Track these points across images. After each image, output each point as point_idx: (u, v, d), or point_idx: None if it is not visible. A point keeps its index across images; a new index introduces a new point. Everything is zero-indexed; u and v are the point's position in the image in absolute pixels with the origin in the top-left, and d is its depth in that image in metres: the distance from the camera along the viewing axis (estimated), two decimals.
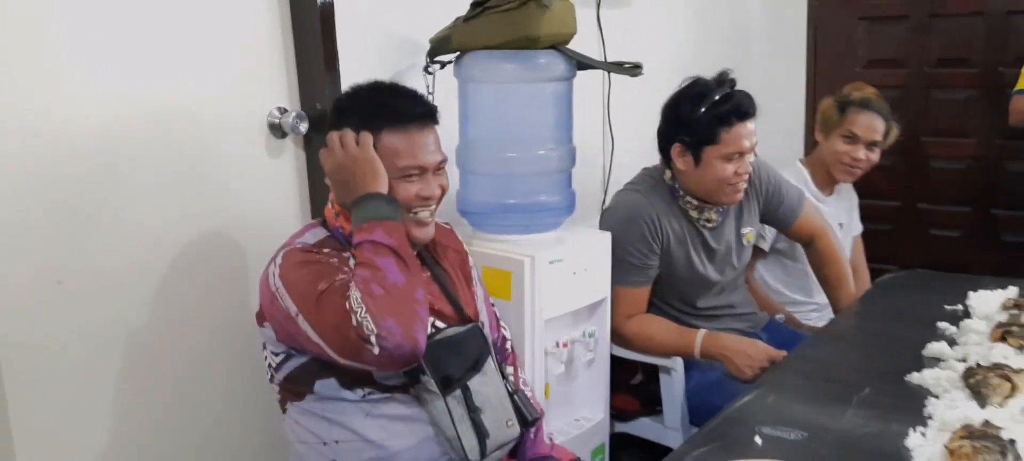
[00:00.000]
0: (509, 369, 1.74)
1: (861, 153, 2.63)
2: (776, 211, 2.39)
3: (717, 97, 2.12)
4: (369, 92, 1.58)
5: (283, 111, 1.92)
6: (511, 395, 1.61)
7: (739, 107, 2.12)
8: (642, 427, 2.36)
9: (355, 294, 1.36)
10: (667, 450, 2.23)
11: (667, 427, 2.24)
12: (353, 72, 1.98)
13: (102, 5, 1.60)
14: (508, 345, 1.79)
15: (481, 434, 1.51)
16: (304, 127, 1.93)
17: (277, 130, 1.92)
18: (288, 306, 1.43)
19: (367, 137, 1.48)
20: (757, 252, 2.66)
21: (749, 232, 2.35)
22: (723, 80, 2.15)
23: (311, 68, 1.94)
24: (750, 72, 3.60)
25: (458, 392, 1.51)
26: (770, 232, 2.62)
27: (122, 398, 1.70)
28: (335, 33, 1.95)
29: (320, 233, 1.56)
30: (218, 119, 1.82)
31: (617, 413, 2.33)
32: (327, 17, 1.93)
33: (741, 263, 2.38)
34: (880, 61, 3.57)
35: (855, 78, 3.60)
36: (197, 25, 1.76)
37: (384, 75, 2.07)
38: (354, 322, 1.34)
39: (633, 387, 2.45)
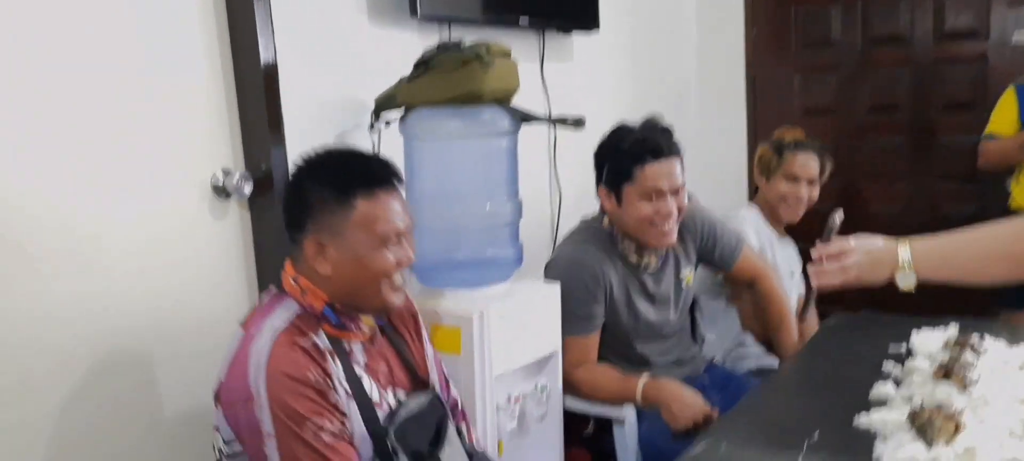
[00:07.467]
0: (462, 426, 1.72)
1: (803, 190, 2.73)
2: (712, 253, 2.40)
3: (634, 136, 2.15)
4: (329, 158, 1.53)
5: (227, 172, 1.90)
6: (470, 457, 1.60)
7: (651, 144, 2.12)
8: None
9: None
10: None
11: None
12: (298, 132, 1.97)
13: (39, 60, 1.57)
14: (459, 405, 1.77)
15: None
16: (248, 188, 1.90)
17: (221, 192, 1.89)
18: (263, 422, 1.36)
19: None
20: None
21: (688, 275, 2.36)
22: (648, 123, 2.18)
23: (255, 129, 1.93)
24: (688, 123, 3.69)
25: None
26: None
27: None
28: (279, 93, 1.94)
29: (292, 306, 1.47)
30: (160, 179, 1.79)
31: None
32: (271, 77, 1.92)
33: (683, 306, 2.38)
34: (815, 109, 3.69)
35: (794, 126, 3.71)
36: (139, 84, 1.74)
37: (329, 135, 2.07)
38: None
39: (585, 440, 2.43)
